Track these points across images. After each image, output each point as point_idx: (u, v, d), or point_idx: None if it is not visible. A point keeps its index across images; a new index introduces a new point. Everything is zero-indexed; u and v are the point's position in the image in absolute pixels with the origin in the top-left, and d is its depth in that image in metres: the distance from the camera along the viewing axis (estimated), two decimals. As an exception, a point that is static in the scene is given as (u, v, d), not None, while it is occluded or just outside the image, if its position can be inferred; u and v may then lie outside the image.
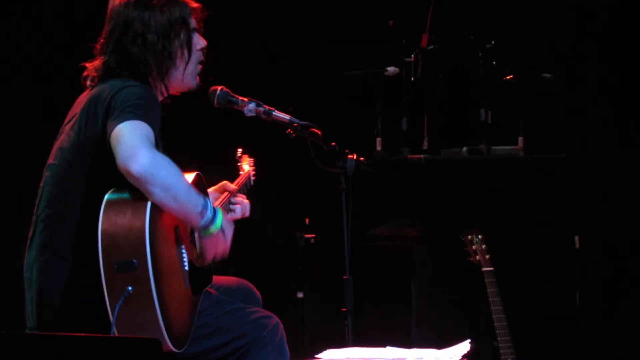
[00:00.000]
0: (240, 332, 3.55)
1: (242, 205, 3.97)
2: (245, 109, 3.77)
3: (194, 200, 3.36)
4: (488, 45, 5.55)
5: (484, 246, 4.94)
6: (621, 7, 5.90)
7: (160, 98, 3.57)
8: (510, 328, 4.78)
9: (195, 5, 3.65)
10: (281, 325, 3.62)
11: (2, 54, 5.46)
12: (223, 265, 3.61)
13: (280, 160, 5.62)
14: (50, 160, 3.49)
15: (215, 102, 3.77)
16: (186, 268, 3.45)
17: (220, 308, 3.58)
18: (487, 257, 4.91)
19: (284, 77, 5.71)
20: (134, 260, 3.22)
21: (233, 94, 3.78)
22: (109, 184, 3.33)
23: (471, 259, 4.94)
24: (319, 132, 3.73)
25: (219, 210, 3.46)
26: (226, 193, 3.96)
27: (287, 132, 3.76)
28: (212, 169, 4.03)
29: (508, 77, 5.58)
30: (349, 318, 3.67)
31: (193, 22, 3.62)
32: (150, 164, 3.22)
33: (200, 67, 3.67)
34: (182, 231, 3.45)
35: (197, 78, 3.68)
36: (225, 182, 4.02)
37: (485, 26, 5.61)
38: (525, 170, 5.45)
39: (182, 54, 3.57)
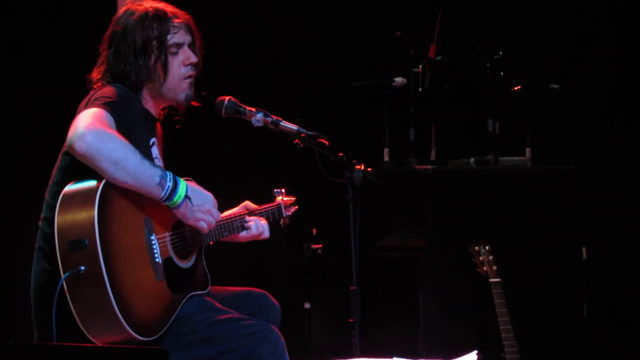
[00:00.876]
0: (234, 344, 3.52)
1: (257, 224, 3.94)
2: (253, 119, 3.77)
3: (148, 171, 3.35)
4: (496, 56, 5.55)
5: (491, 257, 4.93)
6: (631, 19, 5.90)
7: (153, 111, 3.67)
8: (518, 339, 4.77)
9: (183, 19, 3.68)
10: (281, 338, 3.60)
11: (7, 54, 5.47)
12: (229, 275, 3.60)
13: (287, 170, 5.61)
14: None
15: (223, 112, 3.78)
16: (157, 260, 3.45)
17: (212, 315, 3.56)
18: (494, 268, 4.91)
19: (291, 88, 5.71)
20: (85, 240, 3.25)
21: (241, 104, 3.79)
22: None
23: (478, 270, 4.93)
24: (327, 143, 3.73)
25: (180, 180, 3.44)
26: (244, 210, 3.98)
27: (294, 142, 3.76)
28: (219, 177, 4.03)
29: (516, 88, 5.58)
30: (356, 329, 3.65)
31: (177, 38, 3.66)
32: (94, 139, 3.24)
33: (189, 81, 3.70)
34: (156, 224, 3.47)
35: (191, 90, 3.70)
36: (247, 202, 4.03)
37: (493, 37, 5.62)
38: (532, 181, 5.43)
39: (155, 71, 3.62)
